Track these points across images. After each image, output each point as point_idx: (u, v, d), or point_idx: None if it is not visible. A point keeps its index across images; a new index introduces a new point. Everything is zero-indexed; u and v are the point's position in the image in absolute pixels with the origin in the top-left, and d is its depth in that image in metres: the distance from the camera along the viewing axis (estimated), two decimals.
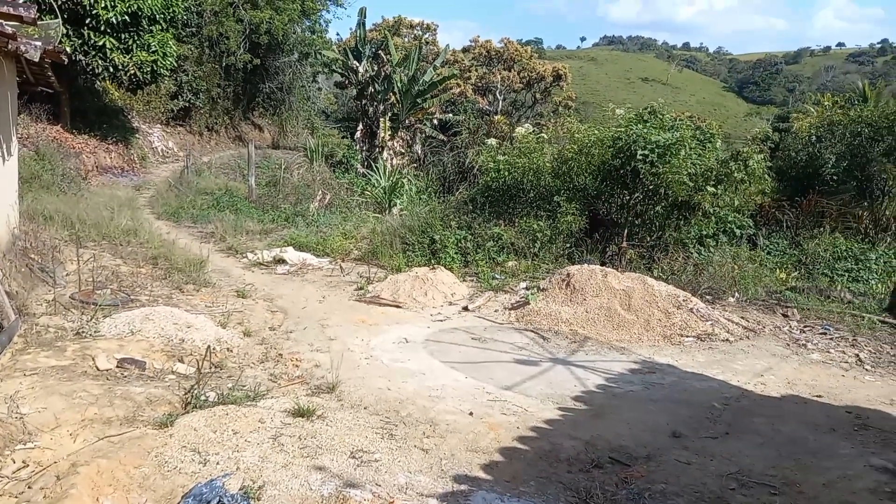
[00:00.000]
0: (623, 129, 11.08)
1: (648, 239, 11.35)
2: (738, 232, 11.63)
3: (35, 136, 15.35)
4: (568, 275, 9.01)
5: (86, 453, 4.12)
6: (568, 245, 11.22)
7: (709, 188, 10.59)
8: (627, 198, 11.34)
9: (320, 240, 12.19)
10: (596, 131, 11.84)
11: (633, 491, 4.40)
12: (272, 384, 5.85)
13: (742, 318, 8.82)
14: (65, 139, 17.15)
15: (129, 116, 22.97)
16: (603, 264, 10.09)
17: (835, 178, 14.26)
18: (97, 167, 17.85)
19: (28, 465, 3.98)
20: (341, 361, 6.33)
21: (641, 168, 10.54)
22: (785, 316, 9.04)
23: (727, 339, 8.00)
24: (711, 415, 5.84)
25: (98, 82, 19.26)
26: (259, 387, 5.56)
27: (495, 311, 8.98)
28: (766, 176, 11.36)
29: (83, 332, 6.20)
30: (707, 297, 9.46)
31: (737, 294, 9.66)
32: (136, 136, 22.26)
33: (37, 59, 6.29)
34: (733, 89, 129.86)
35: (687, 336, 8.01)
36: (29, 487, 3.75)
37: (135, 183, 18.11)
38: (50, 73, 8.25)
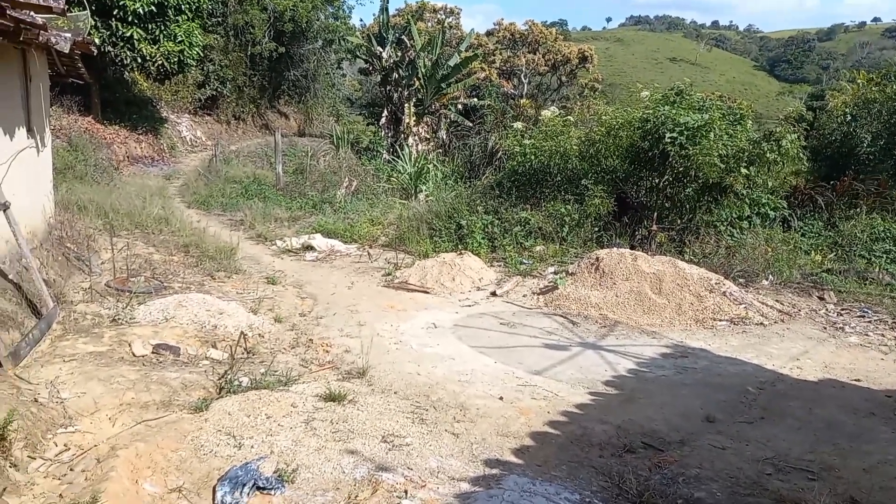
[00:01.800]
0: (651, 111, 10.88)
1: (679, 222, 11.16)
2: (771, 214, 11.38)
3: (67, 128, 15.63)
4: (597, 259, 8.92)
5: (124, 437, 4.21)
6: (596, 229, 11.10)
7: (742, 170, 10.35)
8: (656, 180, 11.16)
9: (348, 226, 12.24)
10: (623, 113, 11.64)
11: (667, 476, 4.36)
12: (303, 369, 5.91)
13: (776, 301, 8.65)
14: (96, 130, 17.43)
15: (158, 106, 23.25)
16: (632, 248, 9.98)
17: (871, 157, 13.84)
18: (128, 157, 18.13)
19: (69, 449, 4.09)
20: (371, 347, 6.37)
21: (670, 150, 10.35)
22: (821, 299, 8.84)
23: (761, 323, 7.86)
24: (746, 399, 5.76)
25: (127, 73, 19.50)
26: (291, 372, 5.62)
27: (523, 295, 8.94)
28: (801, 156, 11.07)
29: (119, 318, 6.32)
30: (740, 280, 9.29)
31: (771, 277, 9.47)
32: (165, 125, 22.54)
33: (67, 51, 6.36)
34: (764, 68, 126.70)
35: (720, 320, 7.88)
36: (71, 470, 3.85)
37: (165, 172, 18.35)
38: (80, 65, 8.36)
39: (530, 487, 4.07)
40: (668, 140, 10.27)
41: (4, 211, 5.83)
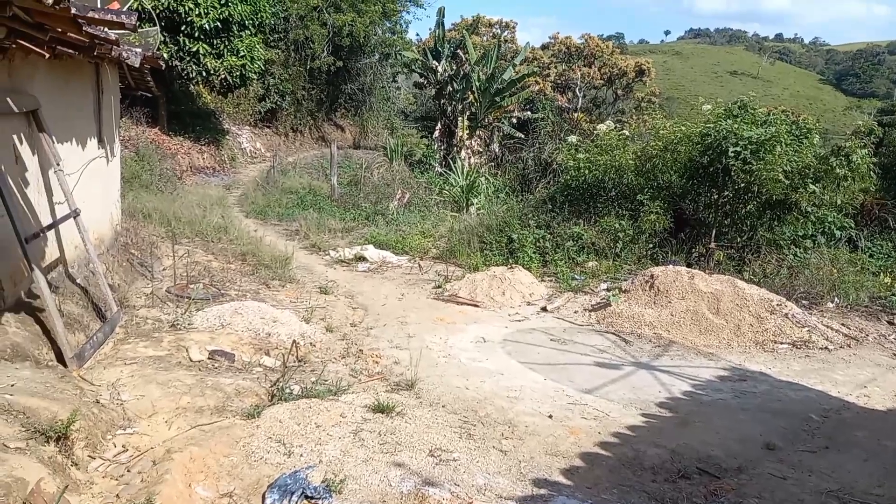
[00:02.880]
0: (712, 125, 10.60)
1: (738, 239, 10.82)
2: (837, 233, 10.91)
3: (135, 138, 16.31)
4: (652, 276, 8.71)
5: (179, 440, 4.31)
6: (651, 245, 10.87)
7: (809, 186, 9.96)
8: (716, 196, 10.85)
9: (399, 238, 12.34)
10: (682, 127, 11.40)
11: None
12: (353, 379, 5.95)
13: (842, 324, 8.26)
14: (162, 141, 18.14)
15: (220, 119, 24.04)
16: (689, 265, 9.71)
17: None
18: (191, 167, 18.78)
19: (127, 450, 4.21)
20: (420, 359, 6.37)
21: (733, 165, 10.05)
22: (890, 324, 8.40)
23: (826, 347, 7.52)
24: (809, 427, 5.50)
25: (192, 86, 20.27)
26: (340, 382, 5.67)
27: (575, 312, 8.80)
28: (871, 172, 10.59)
29: (178, 324, 6.51)
30: (803, 302, 8.92)
31: (836, 299, 9.05)
32: (227, 137, 23.27)
33: (137, 65, 6.65)
34: (831, 82, 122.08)
35: (781, 343, 7.58)
36: (128, 471, 3.96)
37: (225, 182, 18.93)
38: (149, 78, 8.73)
39: None
40: (731, 155, 9.99)
41: (75, 218, 6.10)
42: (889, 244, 11.32)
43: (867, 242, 11.31)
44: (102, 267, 6.65)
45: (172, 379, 5.17)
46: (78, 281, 6.44)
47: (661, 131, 11.68)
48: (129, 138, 15.89)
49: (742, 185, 10.33)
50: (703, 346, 7.63)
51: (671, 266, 9.07)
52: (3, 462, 3.43)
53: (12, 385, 4.27)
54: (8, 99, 5.06)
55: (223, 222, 11.39)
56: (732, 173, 10.20)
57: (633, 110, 29.56)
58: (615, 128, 13.52)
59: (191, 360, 5.72)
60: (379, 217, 14.41)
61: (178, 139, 19.44)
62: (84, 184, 6.72)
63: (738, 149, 9.98)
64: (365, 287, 9.63)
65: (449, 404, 5.56)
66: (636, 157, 11.97)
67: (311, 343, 6.77)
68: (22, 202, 5.40)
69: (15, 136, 5.37)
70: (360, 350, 6.86)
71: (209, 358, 5.83)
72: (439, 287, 9.66)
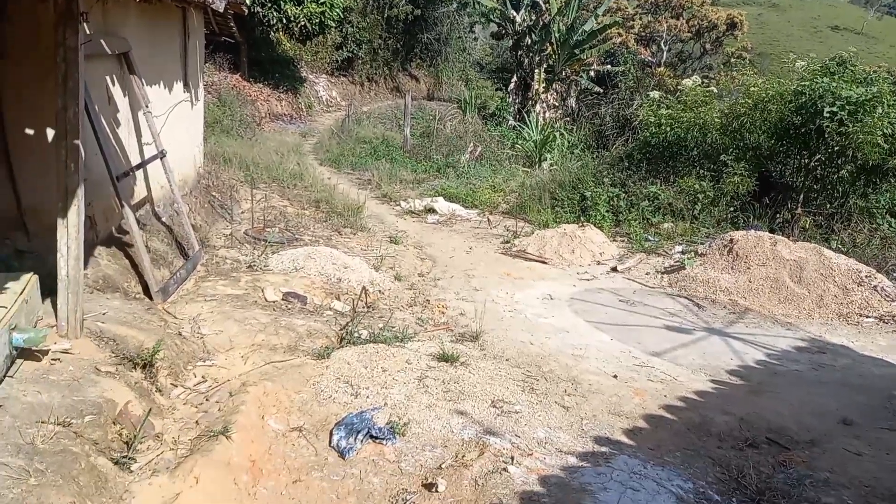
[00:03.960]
0: (807, 83, 9.91)
1: (828, 206, 10.19)
2: None
3: (218, 84, 16.74)
4: (731, 240, 8.37)
5: (254, 375, 4.53)
6: (732, 209, 10.39)
7: None
8: (806, 159, 10.22)
9: (469, 191, 12.29)
10: (775, 84, 10.71)
11: (792, 476, 4.07)
12: (419, 328, 6.06)
13: None
14: (243, 87, 18.55)
15: (299, 66, 24.29)
16: (772, 231, 9.26)
17: None
18: (269, 114, 19.17)
19: (206, 381, 4.46)
20: (485, 312, 6.40)
21: (827, 126, 9.41)
22: None
23: None
24: (891, 405, 5.24)
25: (272, 33, 20.51)
26: (407, 329, 5.78)
27: (646, 273, 8.60)
28: None
29: (255, 265, 6.77)
30: (895, 274, 8.38)
31: None
32: (304, 85, 23.54)
33: (221, 10, 6.79)
34: None
35: (867, 316, 7.18)
36: (206, 400, 4.20)
37: (301, 130, 19.24)
38: (232, 24, 8.90)
39: (641, 470, 3.95)
40: (826, 115, 9.34)
41: (162, 159, 6.36)
42: None
43: None
44: (186, 207, 6.95)
45: (249, 317, 5.41)
46: (163, 220, 6.76)
47: (752, 88, 11.01)
48: (212, 84, 16.31)
49: (836, 148, 9.66)
50: (782, 315, 7.33)
51: (752, 231, 8.68)
52: (96, 384, 3.70)
53: (104, 314, 4.57)
54: (102, 41, 5.26)
55: (299, 169, 11.64)
56: (826, 135, 9.55)
57: (722, 66, 27.93)
58: (701, 84, 12.85)
59: (266, 300, 5.95)
60: (450, 169, 14.36)
61: (257, 86, 19.82)
62: (170, 126, 6.98)
63: (834, 109, 9.31)
64: (434, 238, 9.70)
65: (513, 358, 5.58)
66: (722, 115, 11.37)
67: (379, 290, 6.91)
68: (114, 141, 5.67)
69: (108, 78, 5.60)
70: (427, 300, 6.95)
71: (283, 299, 6.05)
72: (508, 242, 9.62)
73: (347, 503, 3.56)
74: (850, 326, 7.06)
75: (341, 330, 5.62)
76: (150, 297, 5.36)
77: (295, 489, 3.60)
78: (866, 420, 4.93)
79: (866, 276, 7.66)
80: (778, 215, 10.22)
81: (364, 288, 6.53)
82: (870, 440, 4.62)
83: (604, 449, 4.19)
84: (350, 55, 26.54)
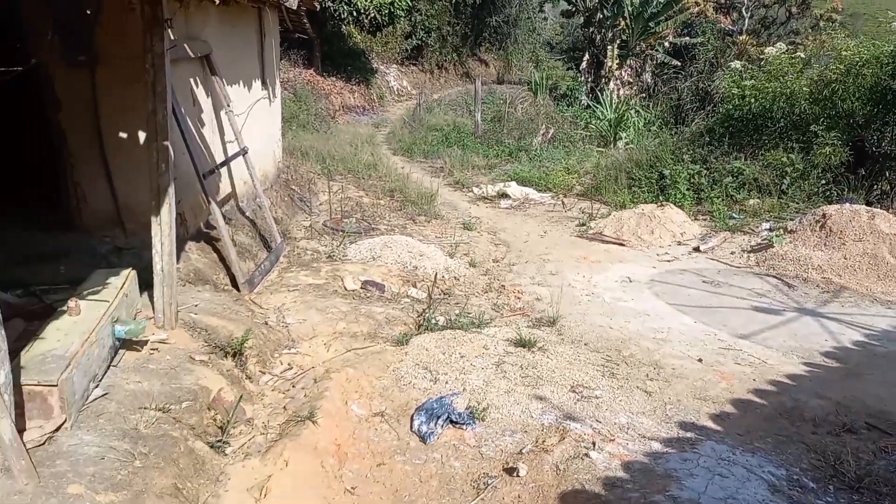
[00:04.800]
0: None
1: None
2: None
3: (293, 80, 17.21)
4: (824, 215, 7.90)
5: (337, 362, 4.67)
6: (824, 182, 9.78)
7: None
8: None
9: (542, 175, 12.14)
10: (870, 47, 9.98)
11: (894, 462, 3.84)
12: (495, 314, 6.06)
13: None
14: (317, 82, 18.99)
15: (370, 58, 24.61)
16: (869, 204, 8.68)
17: None
18: (343, 107, 19.57)
19: (291, 368, 4.64)
20: (562, 296, 6.33)
21: None
22: None
23: None
24: None
25: (343, 26, 20.87)
26: (483, 315, 5.80)
27: (731, 253, 8.25)
28: None
29: (334, 255, 6.96)
30: None
31: None
32: (375, 76, 23.85)
33: (294, 7, 6.96)
34: None
35: None
36: (293, 386, 4.38)
37: (374, 121, 19.54)
38: (305, 21, 9.13)
39: (729, 456, 3.82)
40: None
41: (244, 155, 6.62)
42: None
43: None
44: (268, 201, 7.22)
45: (330, 305, 5.57)
46: (247, 214, 7.05)
47: (844, 52, 10.30)
48: (288, 80, 16.78)
49: None
50: (881, 293, 6.87)
51: (847, 205, 8.15)
52: (191, 372, 3.92)
53: (196, 305, 4.83)
54: (185, 45, 5.51)
55: (373, 159, 11.84)
56: None
57: (810, 30, 26.17)
58: (787, 50, 12.13)
59: (345, 289, 6.11)
60: (522, 153, 14.22)
61: (330, 79, 20.24)
62: (250, 123, 7.25)
63: None
64: (507, 224, 9.65)
65: (591, 342, 5.51)
66: (811, 82, 10.70)
67: (455, 277, 6.95)
68: (199, 141, 5.95)
69: (191, 80, 5.87)
70: (503, 285, 6.94)
71: (362, 287, 6.20)
72: (583, 225, 9.45)
73: (430, 486, 3.63)
74: None
75: (419, 317, 5.70)
76: (238, 289, 5.62)
77: (379, 472, 3.70)
78: None
79: None
80: (875, 187, 9.55)
81: (438, 275, 6.59)
82: None
83: (689, 434, 4.08)
84: (419, 43, 26.65)
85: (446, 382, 4.51)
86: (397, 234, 7.87)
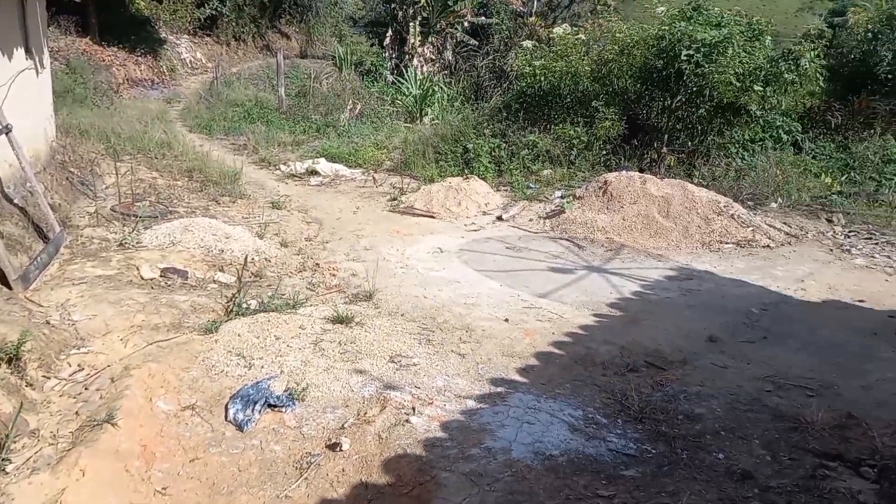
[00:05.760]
0: (667, 28, 10.47)
1: (689, 144, 10.96)
2: (784, 137, 11.15)
3: (65, 49, 15.23)
4: (605, 182, 8.82)
5: (137, 357, 4.30)
6: (605, 152, 10.92)
7: (756, 87, 10.01)
8: (669, 101, 10.88)
9: (352, 151, 12.08)
10: (638, 30, 11.22)
11: (668, 393, 4.46)
12: (310, 293, 5.97)
13: (784, 223, 8.59)
14: (94, 52, 16.98)
15: (157, 27, 22.53)
16: (641, 171, 9.84)
17: (891, 76, 13.37)
18: (128, 80, 17.74)
19: (83, 369, 4.19)
20: (377, 270, 6.40)
21: (685, 69, 10.02)
22: (829, 221, 8.79)
23: (768, 246, 7.84)
24: (749, 320, 5.81)
25: None
26: (298, 295, 5.68)
27: (529, 220, 8.90)
28: (819, 76, 10.70)
29: (126, 242, 6.35)
30: (749, 203, 9.21)
31: (780, 200, 9.37)
32: (164, 47, 21.90)
33: None
34: None
35: (726, 242, 7.86)
36: (86, 389, 3.96)
37: (165, 96, 17.98)
38: None
39: (535, 404, 4.17)
40: (684, 58, 9.93)
41: (7, 134, 5.75)
42: (832, 145, 11.64)
43: (811, 144, 11.60)
44: (41, 186, 6.36)
45: (124, 297, 5.09)
46: (15, 201, 6.15)
47: (617, 35, 11.48)
48: (59, 49, 14.81)
49: (694, 88, 10.35)
50: (653, 248, 7.87)
51: (624, 172, 9.17)
52: None
53: None
54: None
55: (166, 138, 10.90)
56: (685, 77, 10.19)
57: (589, 14, 28.79)
58: (571, 32, 13.21)
59: (142, 279, 5.62)
60: (330, 129, 14.01)
61: (111, 50, 18.21)
62: (13, 98, 6.29)
63: (690, 52, 9.92)
64: (318, 201, 9.50)
65: (407, 313, 5.65)
66: (592, 62, 11.80)
67: (266, 258, 6.71)
68: None
69: None
70: (317, 264, 6.84)
71: (161, 276, 5.74)
72: (394, 199, 9.59)
73: (250, 474, 3.51)
74: (713, 253, 7.71)
75: (228, 302, 5.43)
76: (9, 287, 4.91)
77: (192, 468, 3.50)
78: (729, 336, 5.46)
79: (724, 206, 8.35)
80: (646, 155, 10.87)
81: (248, 257, 6.31)
82: (733, 354, 5.13)
83: (500, 389, 4.38)
84: (213, 13, 24.91)
85: (262, 367, 4.37)
86: (199, 217, 7.37)
